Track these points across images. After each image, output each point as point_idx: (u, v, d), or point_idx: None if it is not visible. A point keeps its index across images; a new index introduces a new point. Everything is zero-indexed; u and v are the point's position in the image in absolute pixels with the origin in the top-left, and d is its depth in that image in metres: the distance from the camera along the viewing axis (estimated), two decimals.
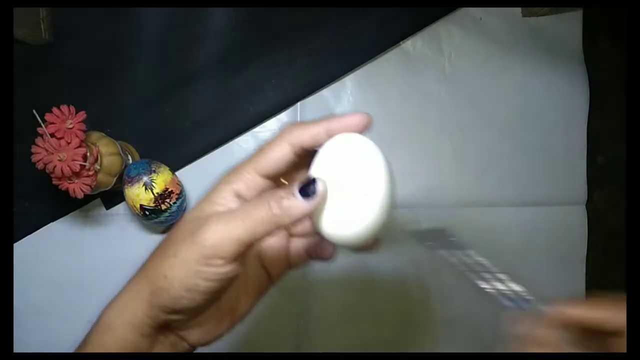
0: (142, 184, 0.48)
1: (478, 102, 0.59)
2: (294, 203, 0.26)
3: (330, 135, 0.29)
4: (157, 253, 0.30)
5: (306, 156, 0.30)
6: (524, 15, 0.60)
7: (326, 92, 0.58)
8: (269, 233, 0.26)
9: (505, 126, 0.60)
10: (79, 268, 0.55)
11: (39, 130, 0.41)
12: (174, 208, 0.50)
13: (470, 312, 0.59)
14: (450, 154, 0.59)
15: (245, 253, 0.27)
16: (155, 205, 0.48)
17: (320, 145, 0.29)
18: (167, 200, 0.49)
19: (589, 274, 0.60)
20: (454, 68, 0.59)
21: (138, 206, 0.48)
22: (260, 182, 0.29)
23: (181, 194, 0.51)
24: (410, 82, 0.59)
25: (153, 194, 0.48)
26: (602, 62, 0.61)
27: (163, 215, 0.49)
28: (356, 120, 0.29)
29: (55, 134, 0.41)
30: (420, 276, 0.58)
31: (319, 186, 0.26)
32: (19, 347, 0.54)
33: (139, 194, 0.48)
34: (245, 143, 0.57)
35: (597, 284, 0.59)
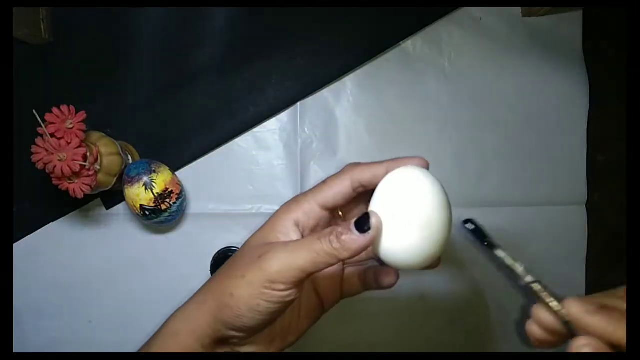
0: (142, 184, 0.48)
1: (478, 102, 0.59)
2: (351, 238, 0.28)
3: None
4: (224, 272, 0.32)
5: (364, 193, 0.33)
6: (524, 15, 0.60)
7: (326, 92, 0.58)
8: (329, 265, 0.29)
9: (505, 126, 0.60)
10: (79, 268, 0.55)
11: (39, 130, 0.41)
12: (174, 208, 0.50)
13: (474, 311, 0.59)
14: (450, 154, 0.59)
15: (305, 281, 0.29)
16: (155, 205, 0.48)
17: (379, 181, 0.31)
18: (167, 200, 0.49)
19: (589, 274, 0.60)
20: (454, 68, 0.59)
21: (138, 206, 0.48)
22: (319, 212, 0.33)
23: (181, 194, 0.51)
24: (410, 82, 0.59)
25: (153, 194, 0.48)
26: (602, 62, 0.61)
27: (163, 215, 0.49)
28: (414, 162, 0.32)
29: (55, 134, 0.41)
30: (421, 276, 0.58)
31: (373, 220, 0.28)
32: (19, 347, 0.54)
33: (139, 194, 0.48)
34: (245, 143, 0.57)
35: (597, 284, 0.59)
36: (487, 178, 0.59)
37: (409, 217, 0.29)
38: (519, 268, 0.30)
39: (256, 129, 0.57)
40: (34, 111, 0.40)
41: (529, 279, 0.29)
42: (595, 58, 0.60)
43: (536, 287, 0.29)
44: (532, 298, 0.29)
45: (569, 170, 0.60)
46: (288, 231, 0.32)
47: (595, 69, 0.60)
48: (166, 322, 0.33)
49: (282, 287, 0.29)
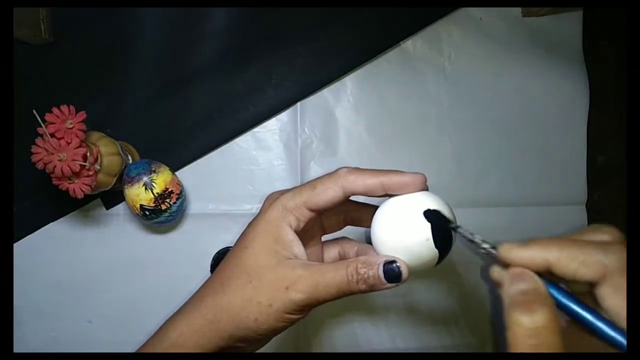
0: (142, 184, 0.48)
1: (478, 102, 0.59)
2: (379, 283, 0.30)
3: (384, 189, 0.31)
4: (233, 288, 0.32)
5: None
6: (524, 15, 0.60)
7: (326, 92, 0.58)
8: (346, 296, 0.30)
9: (505, 126, 0.60)
10: (79, 268, 0.55)
11: (39, 130, 0.41)
12: (174, 208, 0.50)
13: (474, 309, 0.59)
14: (450, 154, 0.59)
15: None
16: (155, 205, 0.48)
17: (372, 195, 0.32)
18: (167, 200, 0.49)
19: None
20: (454, 68, 0.59)
21: (138, 206, 0.48)
22: (308, 215, 0.33)
23: (181, 194, 0.51)
24: (410, 82, 0.59)
25: (153, 194, 0.48)
26: (602, 62, 0.61)
27: (163, 215, 0.49)
28: (412, 180, 0.31)
29: (55, 134, 0.41)
30: (421, 275, 0.58)
31: (404, 274, 0.30)
32: (19, 347, 0.54)
33: (139, 194, 0.48)
34: (245, 143, 0.57)
35: None
36: (487, 178, 0.59)
37: (410, 247, 0.30)
38: (477, 238, 0.30)
39: (256, 129, 0.57)
40: (34, 111, 0.40)
41: (485, 245, 0.29)
42: (595, 58, 0.60)
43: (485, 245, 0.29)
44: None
45: (569, 170, 0.60)
46: (292, 245, 0.32)
47: (595, 69, 0.60)
48: (167, 331, 0.33)
49: (302, 314, 0.31)
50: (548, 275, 0.26)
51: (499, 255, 0.27)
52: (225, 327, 0.32)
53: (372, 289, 0.30)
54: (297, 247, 0.32)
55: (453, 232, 0.31)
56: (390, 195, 0.32)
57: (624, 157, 0.61)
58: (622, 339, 0.24)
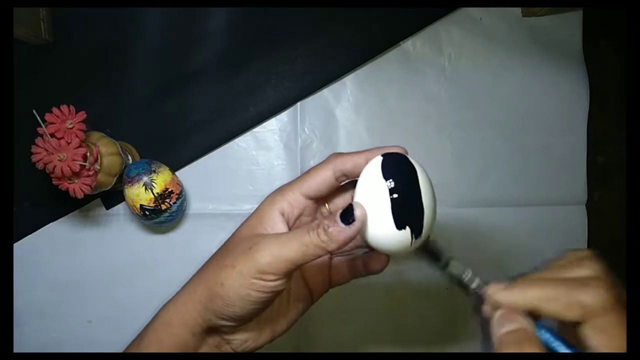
0: (142, 184, 0.48)
1: (478, 102, 0.59)
2: (337, 230, 0.29)
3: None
4: (213, 262, 0.34)
5: (349, 182, 0.34)
6: (524, 15, 0.60)
7: (326, 92, 0.58)
8: (317, 256, 0.30)
9: (505, 126, 0.60)
10: (79, 268, 0.55)
11: (39, 130, 0.41)
12: (174, 208, 0.50)
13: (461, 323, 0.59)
14: (450, 154, 0.59)
15: (293, 271, 0.30)
16: (155, 205, 0.48)
17: (359, 170, 0.32)
18: (167, 200, 0.49)
19: None
20: (454, 68, 0.59)
21: (138, 206, 0.48)
22: (303, 201, 0.33)
23: (181, 194, 0.51)
24: (410, 82, 0.59)
25: (153, 194, 0.48)
26: (602, 62, 0.61)
27: (163, 215, 0.49)
28: (392, 149, 0.32)
29: (55, 134, 0.41)
30: (420, 275, 0.58)
31: (357, 212, 0.29)
32: (19, 347, 0.54)
33: (139, 194, 0.48)
34: (245, 143, 0.57)
35: None
36: (487, 178, 0.59)
37: (391, 202, 0.29)
38: (467, 276, 0.30)
39: (256, 129, 0.57)
40: (34, 111, 0.40)
41: (474, 284, 0.30)
42: (595, 58, 0.60)
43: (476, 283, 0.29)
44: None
45: (569, 170, 0.60)
46: (275, 222, 0.33)
47: (595, 68, 0.60)
48: (159, 312, 0.34)
49: (272, 277, 0.30)
50: (537, 314, 0.26)
51: (486, 297, 0.27)
52: (201, 298, 0.32)
53: (334, 241, 0.29)
54: (280, 228, 0.33)
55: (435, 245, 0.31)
56: None
57: (624, 157, 0.61)
58: None
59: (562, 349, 0.26)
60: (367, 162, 0.31)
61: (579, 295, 0.25)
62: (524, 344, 0.24)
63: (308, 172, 0.34)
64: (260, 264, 0.29)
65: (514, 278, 0.27)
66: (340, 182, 0.34)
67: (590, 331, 0.24)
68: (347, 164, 0.32)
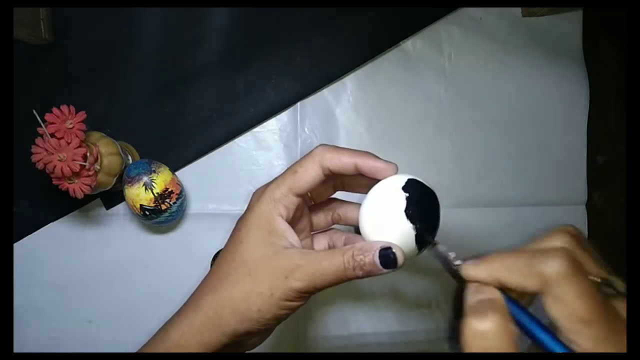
0: (142, 184, 0.48)
1: (478, 102, 0.59)
2: (376, 269, 0.30)
3: (357, 170, 0.32)
4: (236, 284, 0.33)
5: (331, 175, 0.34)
6: (524, 15, 0.60)
7: (326, 92, 0.58)
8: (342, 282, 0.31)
9: (505, 126, 0.60)
10: (78, 268, 0.55)
11: (39, 130, 0.41)
12: (174, 208, 0.50)
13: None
14: (450, 154, 0.59)
15: None
16: (155, 205, 0.48)
17: (346, 173, 0.32)
18: (167, 200, 0.49)
19: None
20: (454, 68, 0.59)
21: (138, 206, 0.48)
22: (295, 201, 0.33)
23: (181, 194, 0.51)
24: (410, 82, 0.59)
25: (153, 194, 0.48)
26: (602, 62, 0.61)
27: (163, 215, 0.49)
28: (384, 166, 0.32)
29: (55, 134, 0.41)
30: (421, 275, 0.58)
31: (399, 260, 0.30)
32: (19, 347, 0.54)
33: (139, 194, 0.48)
34: (245, 143, 0.57)
35: None
36: (487, 178, 0.59)
37: (396, 228, 0.30)
38: (451, 255, 0.30)
39: (256, 129, 0.57)
40: (34, 111, 0.40)
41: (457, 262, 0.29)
42: (595, 58, 0.60)
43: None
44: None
45: (569, 170, 0.60)
46: (286, 233, 0.33)
47: (595, 68, 0.60)
48: (168, 332, 0.33)
49: (303, 301, 0.32)
50: (506, 290, 0.26)
51: (462, 274, 0.28)
52: (228, 322, 0.32)
53: (368, 275, 0.30)
54: (291, 236, 0.33)
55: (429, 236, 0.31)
56: (372, 183, 0.33)
57: (624, 157, 0.61)
58: (563, 351, 0.24)
59: (528, 323, 0.25)
60: (355, 168, 0.32)
61: (539, 265, 0.24)
62: (490, 311, 0.24)
63: (295, 170, 0.33)
64: (296, 290, 0.31)
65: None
66: (326, 175, 0.33)
67: (549, 301, 0.24)
68: (335, 164, 0.32)
